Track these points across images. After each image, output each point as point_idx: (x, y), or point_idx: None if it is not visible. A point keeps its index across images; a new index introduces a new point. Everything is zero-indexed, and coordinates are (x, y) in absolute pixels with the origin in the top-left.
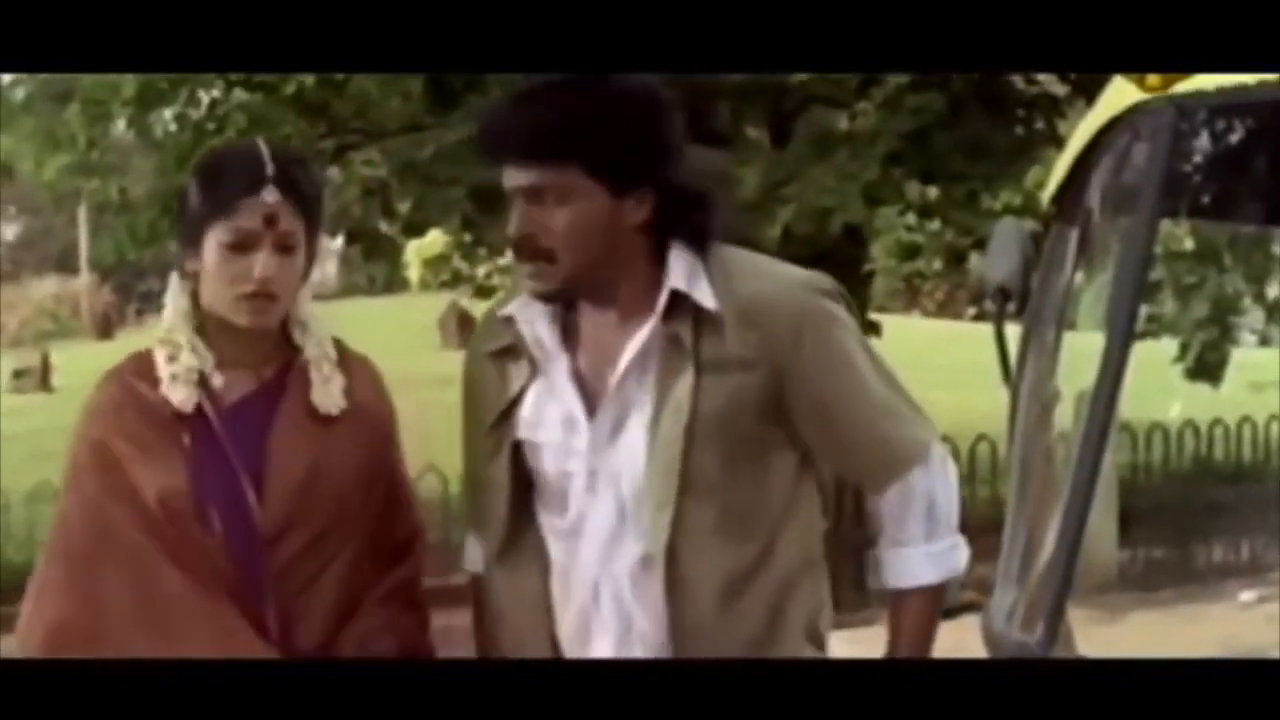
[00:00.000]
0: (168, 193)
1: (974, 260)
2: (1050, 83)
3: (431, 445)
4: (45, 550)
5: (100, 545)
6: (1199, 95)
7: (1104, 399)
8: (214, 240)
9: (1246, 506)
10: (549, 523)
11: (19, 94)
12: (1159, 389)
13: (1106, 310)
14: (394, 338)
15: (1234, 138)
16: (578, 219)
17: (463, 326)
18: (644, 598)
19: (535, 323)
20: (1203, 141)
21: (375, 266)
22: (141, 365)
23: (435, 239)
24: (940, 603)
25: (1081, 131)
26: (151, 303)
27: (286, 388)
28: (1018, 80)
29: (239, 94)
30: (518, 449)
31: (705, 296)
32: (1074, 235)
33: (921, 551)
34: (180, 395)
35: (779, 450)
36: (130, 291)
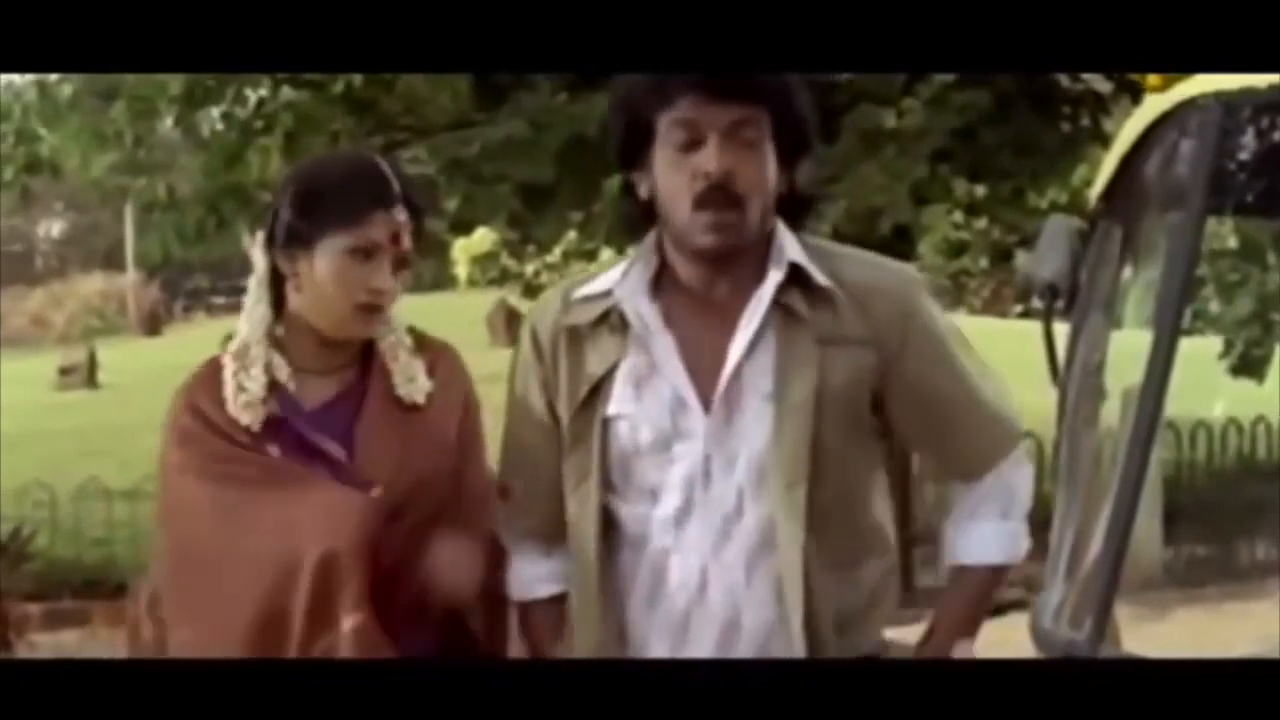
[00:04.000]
0: (214, 191)
1: (1020, 258)
2: (1095, 80)
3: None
4: (160, 567)
5: (207, 572)
6: (1246, 92)
7: (1151, 396)
8: (336, 246)
9: None
10: (634, 510)
11: (65, 91)
12: (1203, 386)
13: (1154, 307)
14: (442, 335)
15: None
16: (767, 168)
17: (510, 324)
18: (757, 586)
19: (636, 298)
20: (1249, 138)
21: (423, 264)
22: (209, 383)
23: (483, 236)
24: (996, 587)
25: (1129, 128)
26: (199, 300)
27: (369, 385)
28: (1063, 78)
29: (286, 92)
30: (606, 428)
31: (817, 273)
32: (1121, 232)
33: (994, 527)
34: (249, 416)
35: (875, 436)
36: (177, 288)
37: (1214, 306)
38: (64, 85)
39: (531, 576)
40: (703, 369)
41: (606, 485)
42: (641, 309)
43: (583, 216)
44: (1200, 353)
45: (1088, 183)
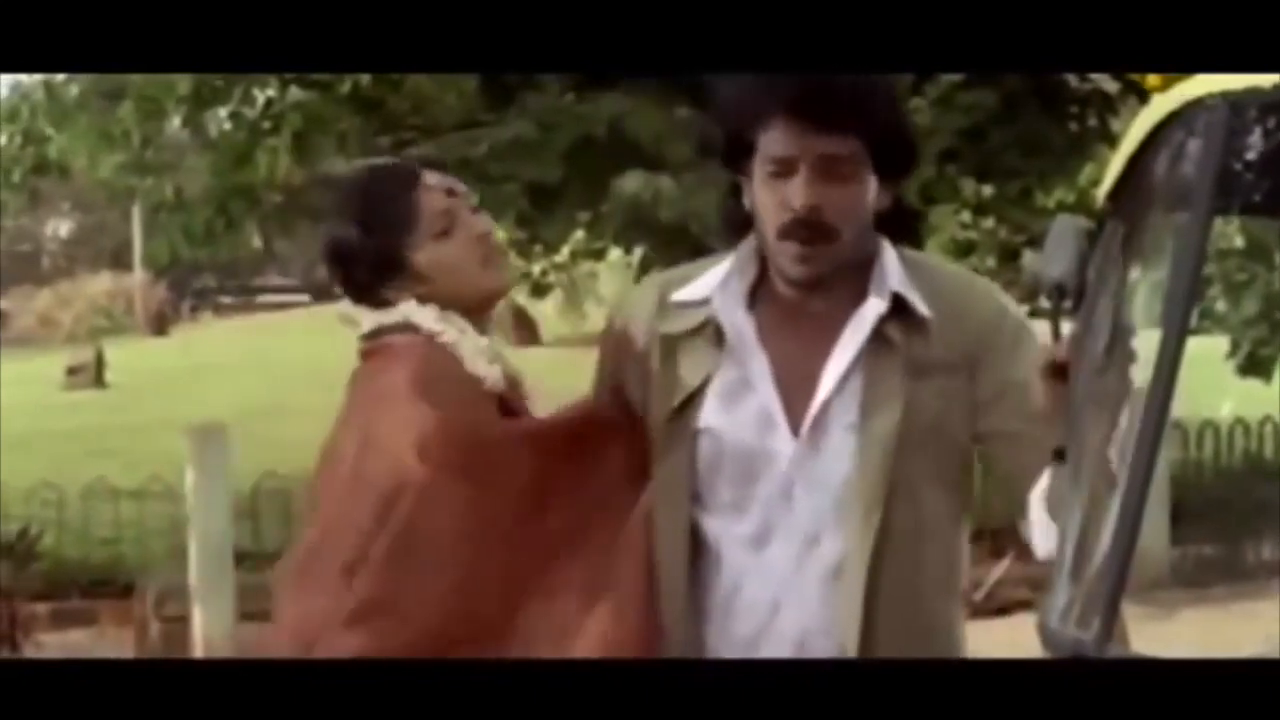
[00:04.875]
0: (222, 191)
1: (1027, 257)
2: (1103, 80)
3: None
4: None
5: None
6: (1254, 91)
7: (1159, 396)
8: (421, 239)
9: None
10: (715, 523)
11: (73, 92)
12: (1210, 386)
13: (1161, 307)
14: None
15: None
16: (862, 197)
17: (519, 323)
18: (826, 616)
19: (734, 310)
20: (1256, 138)
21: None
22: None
23: None
24: None
25: (1136, 128)
26: (206, 300)
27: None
28: (1071, 78)
29: (294, 92)
30: (697, 440)
31: (918, 301)
32: (1128, 232)
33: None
34: (493, 373)
35: (963, 470)
36: (184, 288)
37: (1220, 306)
38: (71, 86)
39: None
40: (795, 389)
41: (693, 497)
42: (738, 321)
43: (590, 216)
44: (1207, 353)
45: (1095, 182)
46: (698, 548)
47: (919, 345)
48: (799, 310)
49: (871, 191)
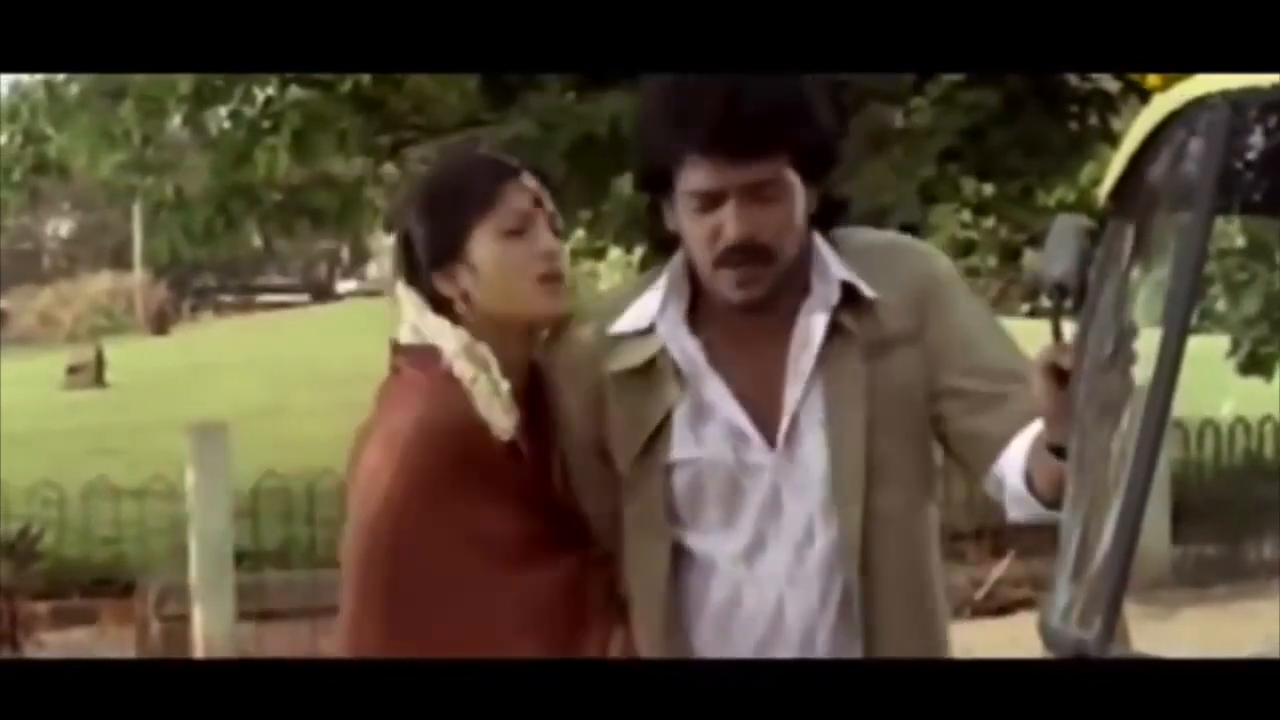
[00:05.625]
0: (222, 190)
1: (1028, 257)
2: (1104, 80)
3: None
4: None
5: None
6: (1255, 91)
7: (1160, 395)
8: (488, 235)
9: None
10: (703, 540)
11: (73, 91)
12: (1211, 386)
13: (1163, 307)
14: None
15: None
16: (793, 211)
17: None
18: (830, 609)
19: (680, 336)
20: (1257, 137)
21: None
22: (447, 389)
23: None
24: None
25: (1137, 127)
26: (206, 299)
27: (542, 401)
28: (1071, 77)
29: (294, 91)
30: (670, 473)
31: (863, 284)
32: (1130, 231)
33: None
34: (503, 422)
35: (932, 436)
36: (185, 288)
37: (1221, 305)
38: (71, 85)
39: None
40: (759, 401)
41: (675, 522)
42: (686, 346)
43: (591, 215)
44: (1208, 352)
45: (1096, 182)
46: (688, 570)
47: (871, 326)
48: (743, 322)
49: (802, 201)
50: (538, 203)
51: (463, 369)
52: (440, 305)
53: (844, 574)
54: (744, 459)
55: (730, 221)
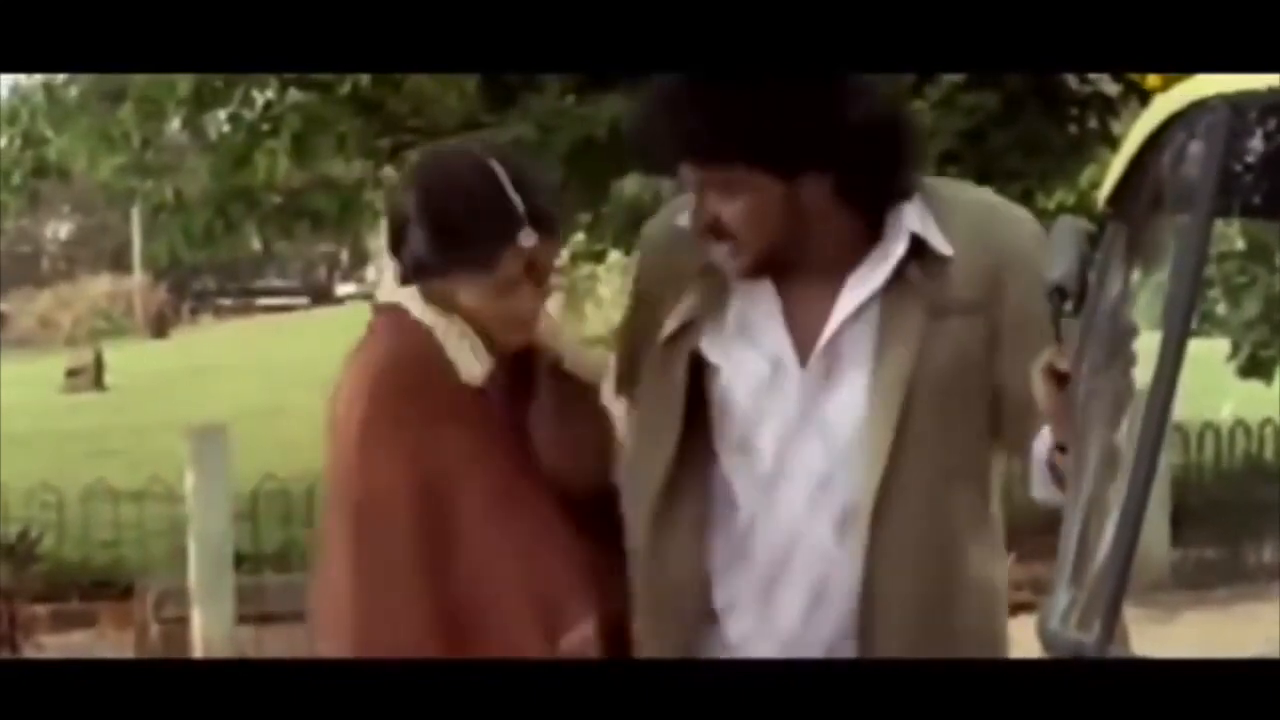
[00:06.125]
0: (222, 193)
1: None
2: (1103, 82)
3: None
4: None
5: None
6: (1255, 93)
7: (1160, 398)
8: (474, 288)
9: None
10: (733, 461)
11: (72, 94)
12: (1211, 389)
13: (1162, 309)
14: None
15: None
16: (750, 207)
17: None
18: (844, 554)
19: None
20: (1257, 140)
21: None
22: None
23: None
24: None
25: (1137, 130)
26: (206, 302)
27: (533, 365)
28: (1071, 79)
29: (293, 94)
30: (696, 364)
31: (938, 239)
32: (1129, 234)
33: None
34: (472, 367)
35: (986, 415)
36: (184, 290)
37: (1221, 308)
38: (71, 88)
39: None
40: (806, 326)
41: (690, 422)
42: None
43: (591, 218)
44: (1208, 355)
45: (1095, 184)
46: (712, 485)
47: (938, 284)
48: (810, 259)
49: (772, 196)
50: (531, 265)
51: (432, 319)
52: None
53: (857, 529)
54: (775, 379)
55: (696, 210)
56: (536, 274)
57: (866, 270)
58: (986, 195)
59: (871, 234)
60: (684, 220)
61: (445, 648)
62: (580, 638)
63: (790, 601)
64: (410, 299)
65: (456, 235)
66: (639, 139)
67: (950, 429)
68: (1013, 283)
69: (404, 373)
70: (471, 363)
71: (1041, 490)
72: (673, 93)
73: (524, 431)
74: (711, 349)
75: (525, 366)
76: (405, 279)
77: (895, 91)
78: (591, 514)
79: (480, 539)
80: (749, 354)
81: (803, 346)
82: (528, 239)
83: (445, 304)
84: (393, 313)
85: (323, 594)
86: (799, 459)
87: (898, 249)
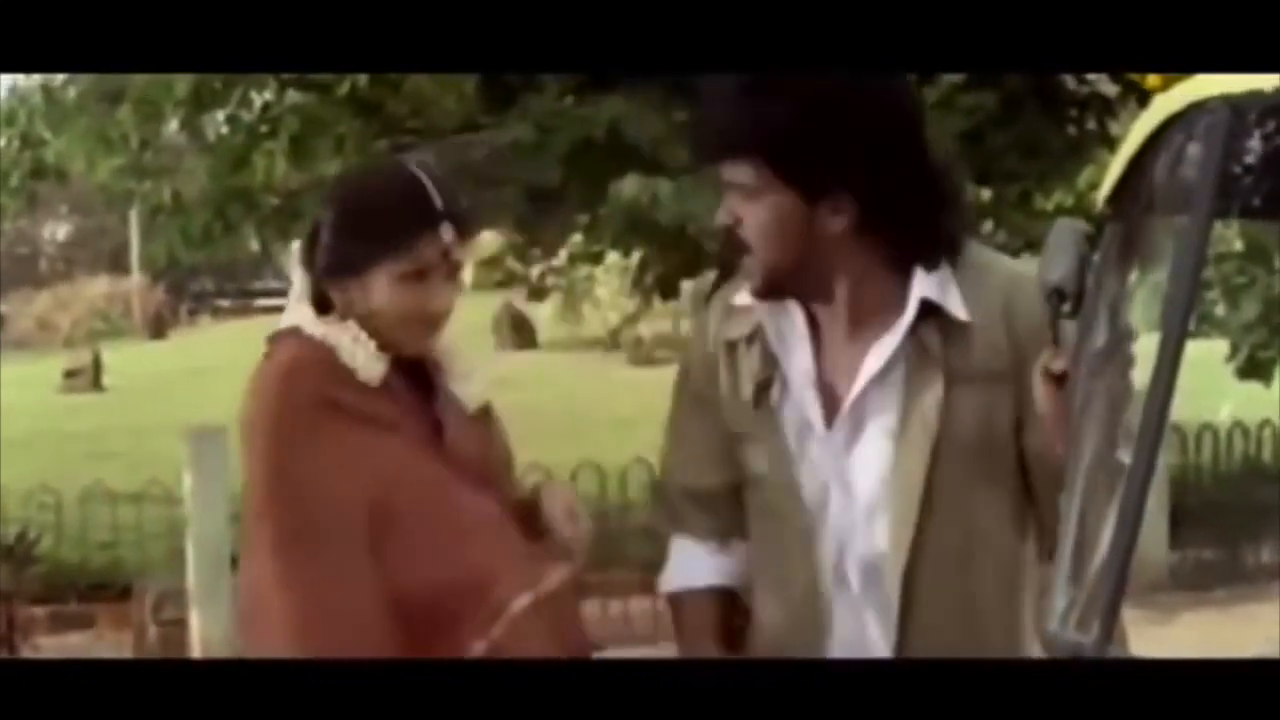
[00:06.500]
0: (220, 195)
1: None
2: (1102, 83)
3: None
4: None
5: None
6: (1254, 95)
7: (1158, 399)
8: (387, 274)
9: None
10: (766, 528)
11: (70, 95)
12: (1209, 390)
13: (1161, 311)
14: (448, 338)
15: None
16: (765, 217)
17: (516, 327)
18: (873, 614)
19: (778, 317)
20: (1256, 141)
21: (460, 278)
22: (313, 349)
23: (489, 240)
24: None
25: (1136, 131)
26: (204, 303)
27: (433, 378)
28: (1069, 80)
29: (292, 95)
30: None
31: (956, 306)
32: (1128, 235)
33: None
34: (370, 368)
35: (1016, 469)
36: (182, 292)
37: (1220, 310)
38: (69, 89)
39: (700, 569)
40: (831, 395)
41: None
42: (783, 326)
43: (589, 219)
44: (1206, 356)
45: (1094, 186)
46: (779, 555)
47: (959, 351)
48: (836, 324)
49: (790, 212)
50: (445, 255)
51: (323, 333)
52: (323, 304)
53: (885, 591)
54: (805, 446)
55: (723, 209)
56: (451, 266)
57: (887, 335)
58: (1018, 267)
59: (900, 293)
60: (738, 295)
61: (374, 644)
62: (514, 616)
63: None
64: (304, 317)
65: (378, 220)
66: (695, 130)
67: (983, 492)
68: (1035, 349)
69: (302, 378)
70: (368, 363)
71: None
72: (730, 85)
73: (433, 427)
74: (752, 427)
75: (424, 373)
76: (319, 281)
77: (949, 151)
78: (503, 502)
79: (398, 529)
80: (784, 420)
81: (829, 410)
82: (446, 233)
83: (355, 307)
84: (288, 334)
85: (248, 600)
86: (827, 523)
87: (909, 314)
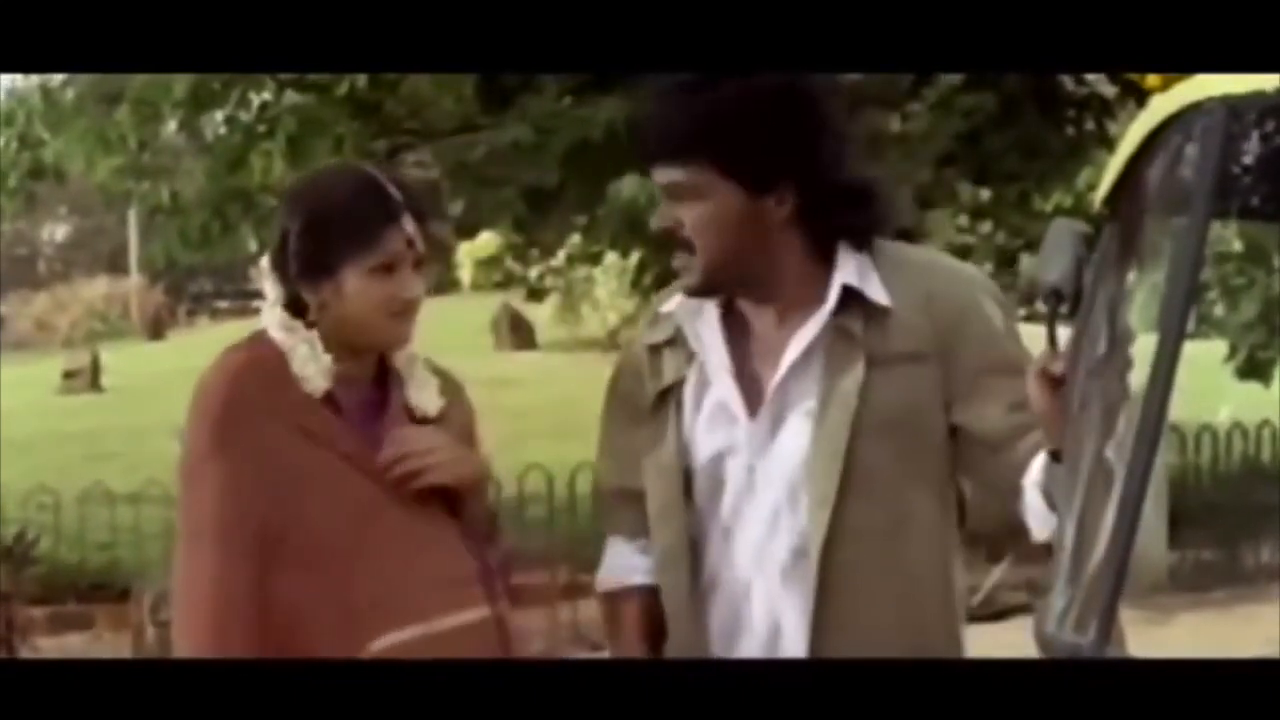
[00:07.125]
0: (218, 195)
1: (1025, 261)
2: (1100, 84)
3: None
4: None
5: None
6: (1253, 95)
7: (1156, 400)
8: (359, 269)
9: None
10: (700, 518)
11: (69, 96)
12: (1208, 390)
13: (1159, 311)
14: (446, 339)
15: None
16: (711, 215)
17: (515, 328)
18: (794, 599)
19: (694, 317)
20: (1254, 142)
21: (427, 268)
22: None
23: (487, 240)
24: None
25: (1134, 132)
26: (202, 303)
27: (389, 393)
28: (1068, 81)
29: (290, 96)
30: (678, 441)
31: (877, 292)
32: (1126, 236)
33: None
34: (317, 380)
35: (943, 448)
36: (181, 292)
37: (1219, 310)
38: (67, 90)
39: (628, 567)
40: (754, 385)
41: (685, 492)
42: (699, 325)
43: (587, 220)
44: (1205, 357)
45: (1092, 186)
46: (684, 544)
47: (879, 336)
48: (758, 313)
49: (734, 206)
50: (410, 245)
51: (282, 339)
52: (297, 306)
53: (805, 573)
54: (728, 435)
55: (658, 215)
56: (416, 255)
57: (808, 323)
58: (932, 254)
59: (825, 282)
60: (663, 304)
61: (236, 650)
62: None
63: (746, 649)
64: (271, 322)
65: (343, 218)
66: (633, 129)
67: (913, 482)
68: (964, 332)
69: (247, 379)
70: (315, 375)
71: (1040, 525)
72: (667, 88)
73: (371, 443)
74: (684, 416)
75: (382, 380)
76: (293, 285)
77: (892, 94)
78: (446, 521)
79: (289, 544)
80: (705, 411)
81: (752, 403)
82: (408, 224)
83: (330, 307)
84: (255, 337)
85: (180, 607)
86: (748, 509)
87: (831, 301)
